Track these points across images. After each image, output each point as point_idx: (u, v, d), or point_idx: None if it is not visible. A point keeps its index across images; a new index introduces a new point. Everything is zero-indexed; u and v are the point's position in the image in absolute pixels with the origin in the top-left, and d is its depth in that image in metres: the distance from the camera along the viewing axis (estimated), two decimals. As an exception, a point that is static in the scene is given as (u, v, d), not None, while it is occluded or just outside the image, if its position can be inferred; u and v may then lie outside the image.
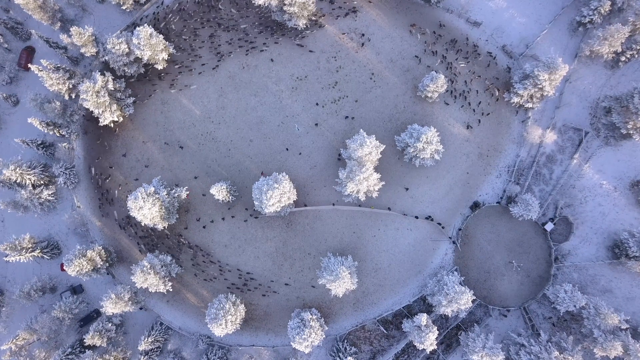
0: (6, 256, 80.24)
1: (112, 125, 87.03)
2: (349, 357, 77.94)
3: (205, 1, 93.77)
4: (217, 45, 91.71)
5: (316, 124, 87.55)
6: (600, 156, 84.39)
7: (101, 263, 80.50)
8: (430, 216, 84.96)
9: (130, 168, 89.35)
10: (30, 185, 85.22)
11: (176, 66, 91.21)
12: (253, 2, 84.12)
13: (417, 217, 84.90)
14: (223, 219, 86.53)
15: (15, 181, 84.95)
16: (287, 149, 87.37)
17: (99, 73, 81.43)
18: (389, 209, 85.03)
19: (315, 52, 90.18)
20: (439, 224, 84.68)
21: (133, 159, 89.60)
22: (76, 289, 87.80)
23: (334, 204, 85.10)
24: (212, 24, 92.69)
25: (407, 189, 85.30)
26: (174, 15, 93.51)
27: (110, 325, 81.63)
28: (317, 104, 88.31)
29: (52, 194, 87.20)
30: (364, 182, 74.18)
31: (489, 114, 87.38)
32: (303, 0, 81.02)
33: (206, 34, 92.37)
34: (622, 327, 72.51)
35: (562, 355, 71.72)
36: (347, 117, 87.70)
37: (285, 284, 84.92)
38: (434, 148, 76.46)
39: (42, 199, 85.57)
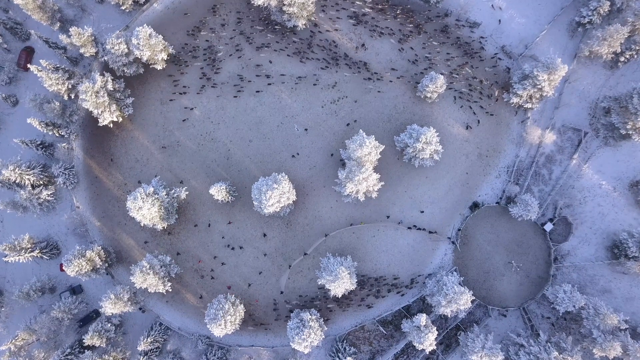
0: (5, 256, 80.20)
1: (111, 125, 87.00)
2: (348, 358, 77.91)
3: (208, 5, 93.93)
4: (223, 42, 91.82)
5: (306, 129, 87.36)
6: (600, 156, 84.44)
7: (100, 263, 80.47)
8: (415, 225, 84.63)
9: (129, 168, 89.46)
10: (29, 186, 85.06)
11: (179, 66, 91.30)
12: (252, 2, 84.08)
13: (409, 229, 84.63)
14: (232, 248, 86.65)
15: (15, 181, 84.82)
16: (293, 156, 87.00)
17: (98, 73, 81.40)
18: (388, 217, 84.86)
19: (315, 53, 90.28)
20: (431, 232, 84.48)
21: (132, 159, 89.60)
22: (75, 289, 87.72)
23: (326, 235, 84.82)
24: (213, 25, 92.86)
25: (422, 212, 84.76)
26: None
27: (109, 325, 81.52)
28: (306, 129, 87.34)
29: (51, 194, 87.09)
30: (363, 182, 74.17)
31: (488, 114, 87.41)
32: (302, 0, 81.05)
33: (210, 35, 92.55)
34: (621, 327, 72.64)
35: (561, 355, 71.70)
36: (348, 124, 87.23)
37: (284, 284, 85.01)
38: (433, 148, 76.42)
39: (42, 199, 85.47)
